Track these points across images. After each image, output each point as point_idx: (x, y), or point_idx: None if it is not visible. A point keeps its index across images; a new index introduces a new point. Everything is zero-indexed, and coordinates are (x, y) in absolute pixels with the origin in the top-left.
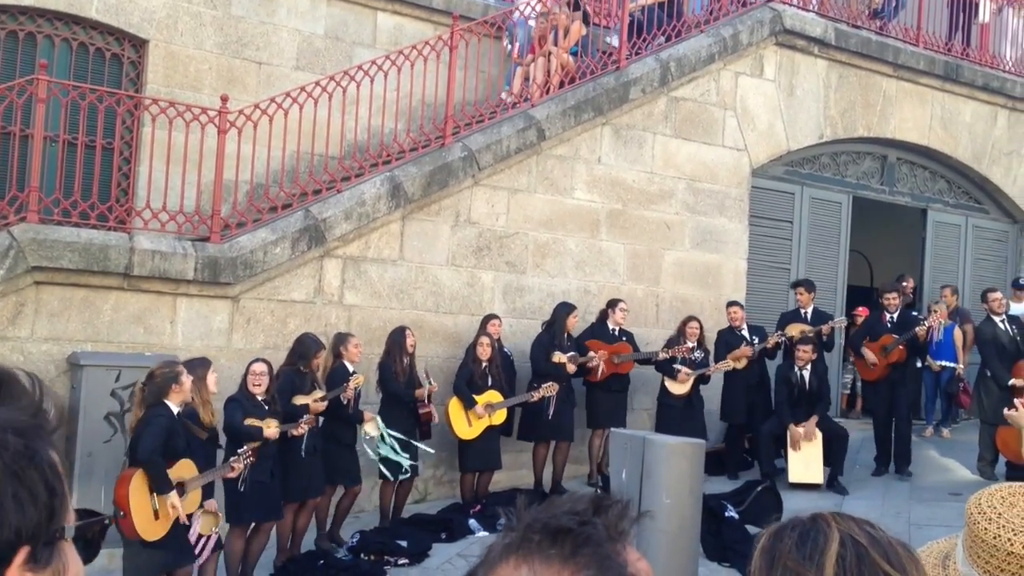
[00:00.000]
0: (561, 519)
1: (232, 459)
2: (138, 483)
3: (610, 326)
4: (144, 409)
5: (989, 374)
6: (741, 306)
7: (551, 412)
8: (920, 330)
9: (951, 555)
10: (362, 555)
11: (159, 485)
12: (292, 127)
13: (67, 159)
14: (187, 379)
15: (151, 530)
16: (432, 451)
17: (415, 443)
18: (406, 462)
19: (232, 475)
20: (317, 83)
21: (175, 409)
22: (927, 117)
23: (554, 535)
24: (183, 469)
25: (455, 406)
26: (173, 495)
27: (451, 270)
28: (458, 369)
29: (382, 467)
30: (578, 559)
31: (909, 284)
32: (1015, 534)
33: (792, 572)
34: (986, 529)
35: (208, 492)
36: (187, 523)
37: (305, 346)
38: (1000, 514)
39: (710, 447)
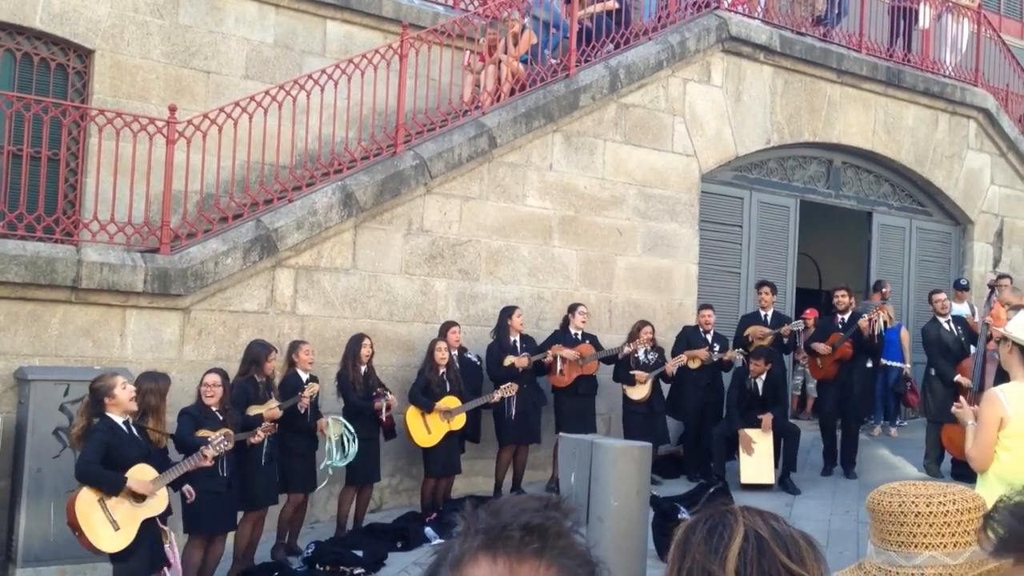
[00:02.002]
0: (527, 515)
1: (203, 447)
2: (84, 499)
3: (572, 331)
4: (87, 419)
5: (935, 373)
6: (713, 310)
7: (513, 413)
8: (862, 322)
9: (862, 560)
10: (317, 566)
11: (108, 487)
12: (242, 137)
13: (12, 171)
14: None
15: (113, 542)
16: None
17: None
18: (350, 456)
19: (206, 463)
20: (267, 92)
21: (119, 420)
22: (871, 122)
23: (526, 530)
24: (140, 474)
25: (412, 414)
26: (131, 481)
27: (404, 278)
28: (416, 377)
29: (343, 456)
30: (552, 550)
31: (887, 289)
32: (917, 497)
33: (699, 565)
34: (890, 503)
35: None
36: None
37: (255, 352)
38: (898, 490)
39: (666, 450)
